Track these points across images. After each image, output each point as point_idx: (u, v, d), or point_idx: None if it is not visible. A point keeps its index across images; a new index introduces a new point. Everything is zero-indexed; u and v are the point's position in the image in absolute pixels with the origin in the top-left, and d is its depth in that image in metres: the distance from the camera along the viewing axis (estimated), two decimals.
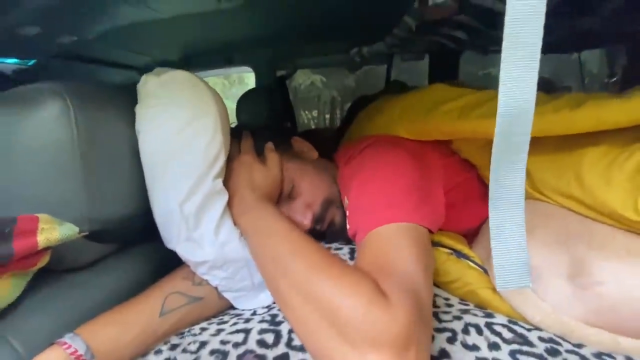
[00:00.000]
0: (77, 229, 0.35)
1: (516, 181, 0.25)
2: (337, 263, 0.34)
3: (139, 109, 0.44)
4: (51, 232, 0.33)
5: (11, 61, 1.07)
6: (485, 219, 0.59)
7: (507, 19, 0.23)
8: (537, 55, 0.23)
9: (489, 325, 0.38)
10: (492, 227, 0.26)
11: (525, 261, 0.26)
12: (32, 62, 1.11)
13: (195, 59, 1.36)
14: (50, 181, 0.37)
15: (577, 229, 0.42)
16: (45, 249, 0.34)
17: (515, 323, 0.39)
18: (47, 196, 0.37)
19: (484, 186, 0.59)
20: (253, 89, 1.29)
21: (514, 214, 0.26)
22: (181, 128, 0.42)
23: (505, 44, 0.23)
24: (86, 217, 0.38)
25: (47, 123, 0.36)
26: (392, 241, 0.37)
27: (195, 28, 1.03)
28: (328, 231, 0.57)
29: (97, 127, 0.39)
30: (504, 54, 0.23)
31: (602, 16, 0.65)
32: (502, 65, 0.24)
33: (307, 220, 0.53)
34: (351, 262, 0.50)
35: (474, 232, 0.60)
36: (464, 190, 0.58)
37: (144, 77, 0.45)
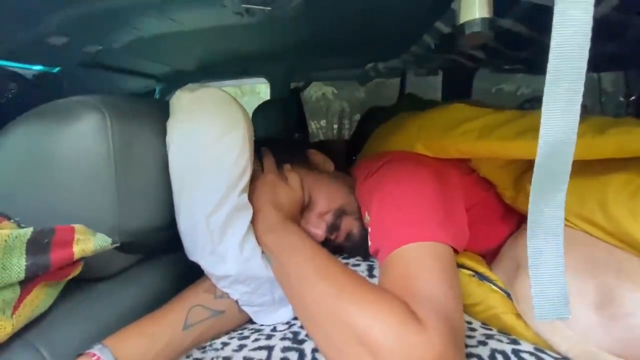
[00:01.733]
0: (109, 240, 0.35)
1: (557, 211, 0.25)
2: (365, 284, 0.34)
3: (171, 122, 0.45)
4: (86, 243, 0.33)
5: (37, 67, 1.10)
6: (504, 240, 0.59)
7: (552, 54, 0.23)
8: (581, 89, 0.24)
9: (516, 353, 0.37)
10: (530, 255, 0.26)
11: (564, 291, 0.26)
12: (56, 69, 1.14)
13: (212, 69, 1.39)
14: (85, 193, 0.38)
15: (604, 257, 0.41)
16: (80, 259, 0.34)
17: (542, 351, 0.38)
18: (82, 207, 0.38)
19: (502, 205, 0.58)
20: (269, 100, 1.31)
21: (554, 244, 0.26)
22: (213, 142, 0.43)
23: (548, 78, 0.24)
24: (117, 228, 0.39)
25: (85, 136, 0.37)
26: (419, 261, 0.37)
27: (214, 40, 1.05)
28: (346, 244, 0.57)
29: (131, 140, 0.40)
30: (547, 88, 0.24)
31: (625, 41, 0.66)
32: (544, 98, 0.24)
33: (320, 231, 0.53)
34: (371, 280, 0.50)
35: (491, 252, 0.60)
36: (482, 209, 0.57)
37: (177, 92, 0.47)
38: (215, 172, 0.43)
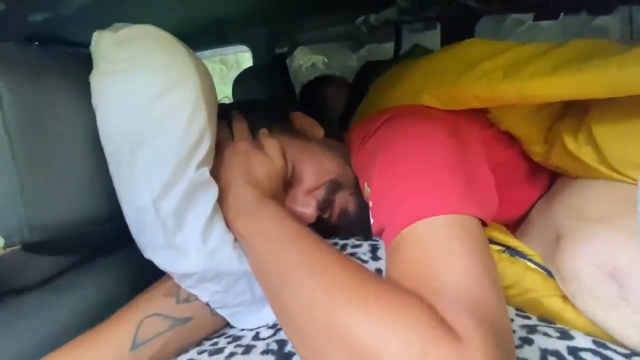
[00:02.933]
0: (1, 242, 0.25)
1: None
2: (369, 280, 0.24)
3: (93, 78, 0.33)
4: None
5: None
6: (531, 206, 0.49)
7: None
8: None
9: (573, 352, 0.28)
10: None
11: None
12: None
13: (188, 39, 1.25)
14: None
15: None
16: None
17: (606, 346, 0.29)
18: None
19: (531, 165, 0.48)
20: (250, 67, 1.19)
21: None
22: (151, 100, 0.32)
23: None
24: (24, 224, 0.28)
25: None
26: (441, 241, 0.27)
27: (184, 4, 0.93)
28: (341, 223, 0.47)
29: (34, 104, 0.29)
30: None
31: None
32: None
33: (310, 209, 0.43)
34: (374, 264, 0.41)
35: (516, 221, 0.50)
36: (506, 170, 0.47)
37: (96, 34, 0.35)
38: (159, 142, 0.32)
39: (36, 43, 0.97)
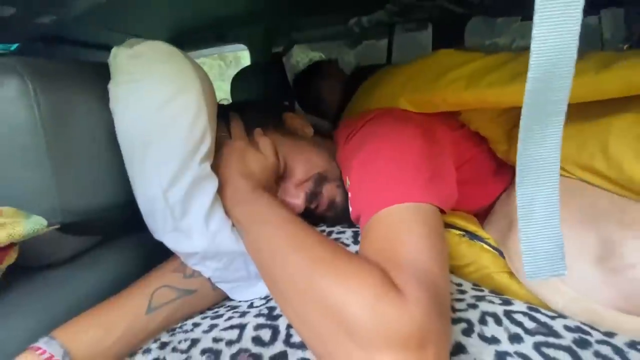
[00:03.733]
0: (45, 222, 0.31)
1: (551, 153, 0.21)
2: (341, 254, 0.30)
3: (111, 87, 0.39)
4: (14, 226, 0.29)
5: None
6: (497, 197, 0.55)
7: None
8: (581, 1, 0.18)
9: (508, 314, 0.34)
10: (520, 206, 0.22)
11: (559, 246, 0.22)
12: (14, 46, 1.05)
13: (186, 38, 1.30)
14: (14, 171, 0.33)
15: (605, 207, 0.37)
16: (11, 245, 0.30)
17: (537, 310, 0.35)
18: (13, 187, 0.33)
19: (496, 161, 0.54)
20: (247, 66, 1.23)
21: (547, 192, 0.22)
22: (159, 106, 0.38)
23: None
24: (58, 208, 0.34)
25: (4, 105, 0.32)
26: (401, 224, 0.33)
27: (182, 3, 0.97)
28: (329, 214, 0.53)
29: (64, 107, 0.35)
30: (538, 1, 0.18)
31: None
32: (535, 17, 0.19)
33: (299, 200, 0.49)
34: (355, 247, 0.47)
35: (485, 211, 0.56)
36: (474, 166, 0.53)
37: (114, 50, 0.40)
38: (167, 139, 0.38)
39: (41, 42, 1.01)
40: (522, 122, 0.21)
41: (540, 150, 0.21)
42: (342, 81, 1.11)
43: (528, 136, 0.21)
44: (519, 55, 0.47)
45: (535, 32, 0.18)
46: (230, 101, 1.20)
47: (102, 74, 0.40)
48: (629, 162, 0.35)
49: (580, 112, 0.40)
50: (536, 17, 0.18)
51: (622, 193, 0.37)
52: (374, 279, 0.27)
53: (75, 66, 0.39)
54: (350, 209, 0.42)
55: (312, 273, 0.30)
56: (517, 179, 0.22)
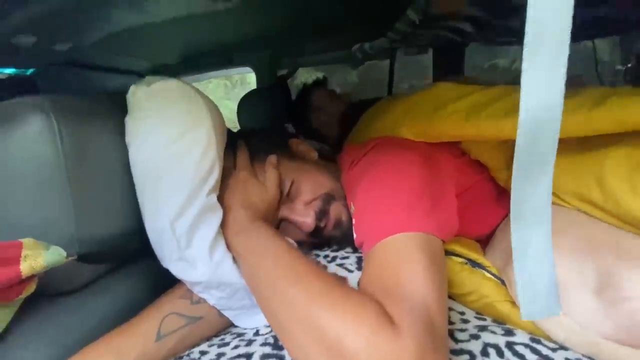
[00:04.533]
0: (64, 254, 0.33)
1: (542, 196, 0.22)
2: (339, 287, 0.32)
3: (128, 121, 0.41)
4: (36, 258, 0.31)
5: (9, 71, 1.06)
6: (498, 223, 0.56)
7: (531, 10, 0.20)
8: (566, 51, 0.20)
9: (510, 346, 0.35)
10: (515, 248, 0.23)
11: (554, 285, 0.23)
12: (29, 71, 1.10)
13: (195, 61, 1.34)
14: (36, 202, 0.35)
15: (602, 237, 0.38)
16: (32, 276, 0.32)
17: (539, 342, 0.36)
18: (33, 218, 0.35)
19: (497, 188, 0.55)
20: (254, 90, 1.27)
21: (540, 233, 0.23)
22: (172, 141, 0.40)
23: (527, 39, 0.20)
24: (75, 238, 0.36)
25: (29, 140, 0.34)
26: (401, 255, 0.34)
27: (192, 30, 1.01)
28: (335, 233, 0.54)
29: (84, 141, 0.37)
30: (526, 51, 0.20)
31: (619, 2, 0.61)
32: (523, 65, 0.21)
33: (309, 219, 0.50)
34: (358, 273, 0.48)
35: (486, 237, 0.57)
36: (475, 193, 0.55)
37: (132, 87, 0.43)
38: (177, 173, 0.39)
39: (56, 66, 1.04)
40: (514, 170, 0.22)
41: (532, 195, 0.22)
42: (335, 111, 1.12)
43: (521, 183, 0.22)
44: (514, 89, 0.48)
45: (523, 93, 0.20)
46: (236, 123, 1.24)
47: (119, 108, 0.43)
48: (625, 196, 0.36)
49: (578, 143, 0.42)
50: (523, 78, 0.20)
51: (619, 225, 0.38)
52: (370, 313, 0.28)
53: (94, 101, 0.42)
54: (355, 235, 0.43)
55: (310, 306, 0.31)
56: (512, 223, 0.23)
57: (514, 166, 0.23)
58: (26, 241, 0.32)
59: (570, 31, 0.20)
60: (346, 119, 1.01)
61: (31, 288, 0.33)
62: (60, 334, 0.37)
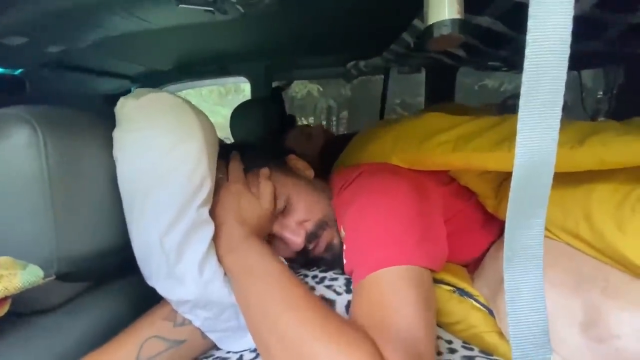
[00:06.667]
0: (42, 274, 0.31)
1: (535, 239, 0.22)
2: (332, 318, 0.31)
3: (116, 134, 0.40)
4: (11, 279, 0.29)
5: None
6: (486, 249, 0.56)
7: (527, 63, 0.20)
8: (560, 101, 0.21)
9: None
10: (507, 290, 0.23)
11: (545, 328, 0.23)
12: (18, 71, 1.07)
13: (190, 68, 1.33)
14: (16, 218, 0.33)
15: (590, 272, 0.39)
16: (5, 298, 0.30)
17: None
18: (12, 235, 0.33)
19: (484, 214, 0.56)
20: (247, 101, 1.26)
21: (532, 276, 0.23)
22: (163, 154, 0.39)
23: (524, 90, 0.21)
24: (55, 257, 0.34)
25: (13, 153, 0.33)
26: (392, 289, 0.34)
27: (189, 38, 1.01)
28: (326, 255, 0.53)
29: (70, 156, 0.36)
30: (522, 101, 0.21)
31: (606, 39, 0.64)
32: (520, 113, 0.21)
33: (300, 238, 0.49)
34: (347, 296, 0.47)
35: (474, 261, 0.57)
36: (464, 218, 0.55)
37: (121, 100, 0.42)
38: (168, 187, 0.38)
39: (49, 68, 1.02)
40: (508, 213, 0.22)
41: (526, 238, 0.23)
42: (312, 149, 1.06)
43: (514, 225, 0.22)
44: (502, 121, 0.49)
45: (518, 142, 0.21)
46: (229, 133, 1.22)
47: (105, 123, 0.42)
48: (611, 233, 0.37)
49: (565, 178, 0.42)
50: (519, 127, 0.21)
51: (606, 261, 0.39)
52: (361, 351, 0.28)
53: (81, 113, 0.40)
54: (345, 261, 0.43)
55: (303, 336, 0.30)
56: (505, 263, 0.23)
57: (508, 209, 0.23)
58: (2, 260, 0.30)
59: (564, 82, 0.20)
60: (327, 153, 0.98)
61: (3, 310, 0.31)
62: (35, 356, 0.35)
